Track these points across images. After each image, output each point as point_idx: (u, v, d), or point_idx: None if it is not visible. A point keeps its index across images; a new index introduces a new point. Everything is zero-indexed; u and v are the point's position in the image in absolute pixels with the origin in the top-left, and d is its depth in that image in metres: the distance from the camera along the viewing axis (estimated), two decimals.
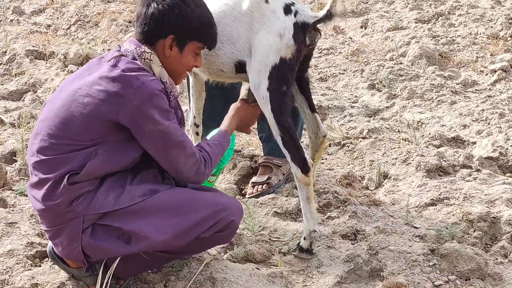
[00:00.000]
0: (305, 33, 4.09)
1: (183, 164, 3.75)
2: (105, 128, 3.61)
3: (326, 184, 5.00)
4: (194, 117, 4.92)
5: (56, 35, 8.01)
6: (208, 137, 4.21)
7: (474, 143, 5.65)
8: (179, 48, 3.86)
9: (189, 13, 3.85)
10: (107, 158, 3.64)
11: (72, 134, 3.61)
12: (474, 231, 4.50)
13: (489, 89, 6.59)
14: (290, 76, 4.12)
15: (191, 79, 4.82)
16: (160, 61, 3.79)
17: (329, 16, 4.00)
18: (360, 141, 5.68)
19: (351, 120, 6.03)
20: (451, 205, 4.78)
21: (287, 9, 4.10)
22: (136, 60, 3.74)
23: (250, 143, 5.69)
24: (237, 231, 4.18)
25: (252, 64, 4.13)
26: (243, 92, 5.09)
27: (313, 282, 4.11)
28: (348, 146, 5.65)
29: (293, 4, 4.11)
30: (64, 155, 3.62)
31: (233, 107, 4.26)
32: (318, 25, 4.12)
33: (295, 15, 4.08)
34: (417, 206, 4.83)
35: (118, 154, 3.68)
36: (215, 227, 3.76)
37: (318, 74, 7.00)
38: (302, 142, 5.07)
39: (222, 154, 4.04)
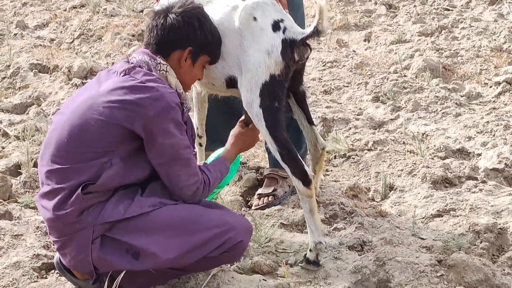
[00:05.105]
0: (293, 49, 4.08)
1: (184, 182, 3.74)
2: (119, 135, 3.60)
3: (332, 195, 4.99)
4: (197, 128, 4.92)
5: (60, 49, 8.02)
6: (210, 159, 4.21)
7: (479, 154, 5.64)
8: (192, 61, 3.89)
9: (207, 27, 3.91)
10: (122, 169, 3.64)
11: (87, 141, 3.61)
12: (481, 242, 4.49)
13: (494, 101, 6.58)
14: (281, 92, 4.11)
15: (193, 90, 4.83)
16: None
17: (316, 33, 4.00)
18: (366, 153, 5.68)
19: (356, 132, 6.02)
20: (458, 216, 4.77)
21: (276, 26, 4.09)
22: (152, 71, 3.75)
23: (255, 155, 5.68)
24: None
25: (243, 82, 4.14)
26: None
27: None
28: (354, 158, 5.64)
29: (282, 21, 4.11)
30: (79, 165, 3.61)
31: (232, 133, 4.27)
32: (307, 41, 4.11)
33: (283, 32, 4.08)
34: (423, 217, 4.81)
35: (132, 165, 3.68)
36: (222, 247, 3.75)
37: (323, 87, 7.00)
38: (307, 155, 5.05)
39: (220, 181, 4.02)
